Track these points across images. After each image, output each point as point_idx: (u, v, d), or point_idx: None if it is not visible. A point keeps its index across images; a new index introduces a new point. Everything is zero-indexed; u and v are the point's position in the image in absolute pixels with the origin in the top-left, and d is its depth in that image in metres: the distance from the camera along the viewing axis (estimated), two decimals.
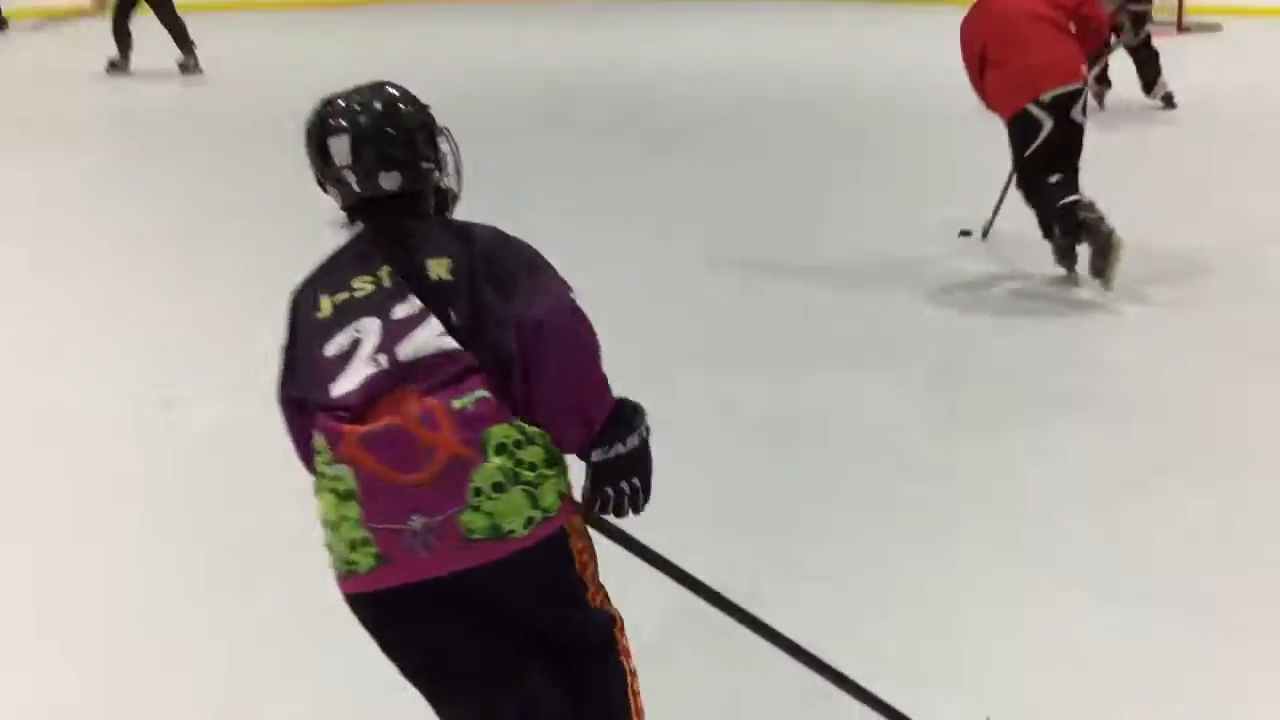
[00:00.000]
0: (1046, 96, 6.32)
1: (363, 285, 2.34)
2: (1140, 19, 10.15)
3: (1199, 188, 8.47)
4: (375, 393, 2.22)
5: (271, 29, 16.65)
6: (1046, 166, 6.41)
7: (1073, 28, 6.51)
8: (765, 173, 9.23)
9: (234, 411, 5.12)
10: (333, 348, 2.29)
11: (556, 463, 2.30)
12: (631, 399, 2.43)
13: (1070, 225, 6.38)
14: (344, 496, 2.20)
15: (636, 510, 2.41)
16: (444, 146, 2.58)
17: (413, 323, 2.27)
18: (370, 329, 2.28)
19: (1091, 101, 7.14)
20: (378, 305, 2.30)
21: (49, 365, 5.94)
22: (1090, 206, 6.30)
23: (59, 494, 4.72)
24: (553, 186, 8.87)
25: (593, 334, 2.34)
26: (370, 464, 2.17)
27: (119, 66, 12.87)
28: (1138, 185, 8.07)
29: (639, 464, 2.38)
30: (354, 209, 2.49)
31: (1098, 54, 8.69)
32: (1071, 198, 6.36)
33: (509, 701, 2.29)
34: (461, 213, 2.69)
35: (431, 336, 2.26)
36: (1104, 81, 10.52)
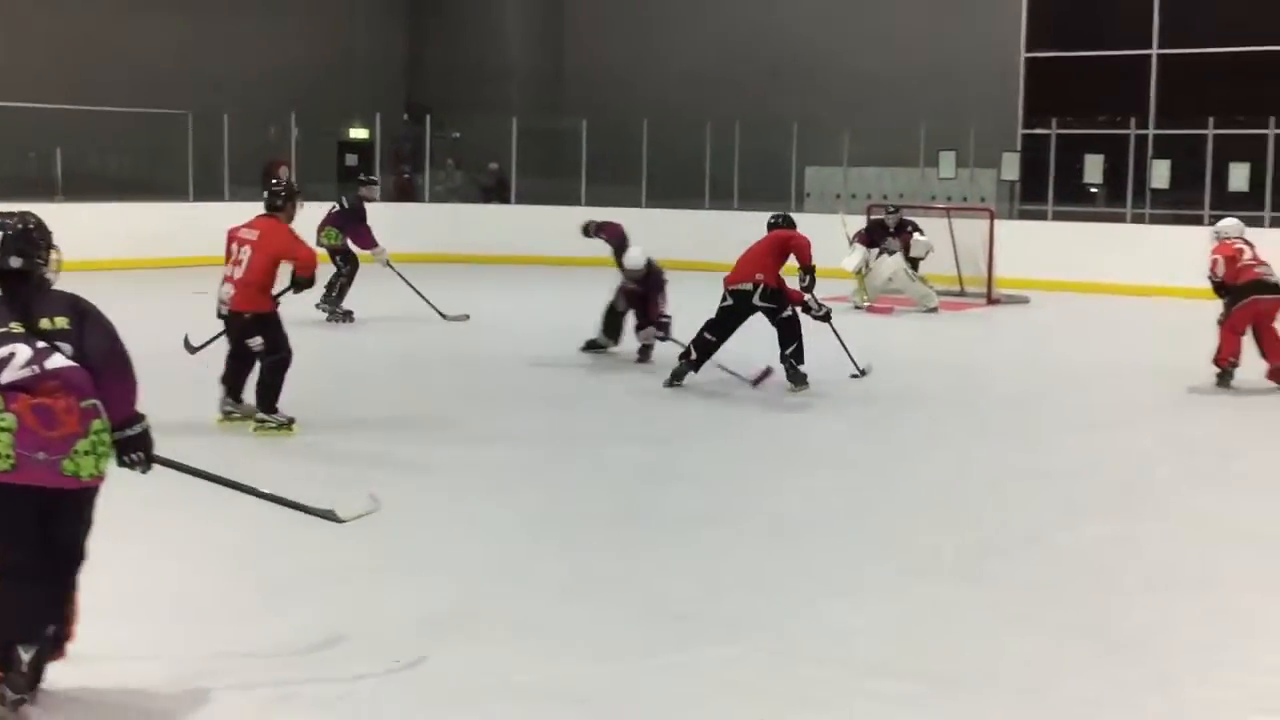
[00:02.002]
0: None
1: (15, 327, 4.29)
2: None
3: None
4: (31, 385, 4.19)
5: None
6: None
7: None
8: None
9: None
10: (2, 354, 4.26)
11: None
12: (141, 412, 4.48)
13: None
14: (4, 429, 4.15)
15: (145, 469, 4.54)
16: (53, 256, 4.55)
17: (49, 351, 4.26)
18: (20, 350, 4.24)
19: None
20: (24, 339, 4.27)
21: None
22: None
23: None
24: None
25: (130, 363, 4.42)
26: (29, 420, 4.18)
27: None
28: None
29: (142, 443, 4.47)
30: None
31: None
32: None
33: (24, 552, 4.26)
34: None
35: (62, 359, 4.26)
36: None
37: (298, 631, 5.20)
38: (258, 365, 8.83)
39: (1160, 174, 20.71)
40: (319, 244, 13.69)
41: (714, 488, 7.80)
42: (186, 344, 10.23)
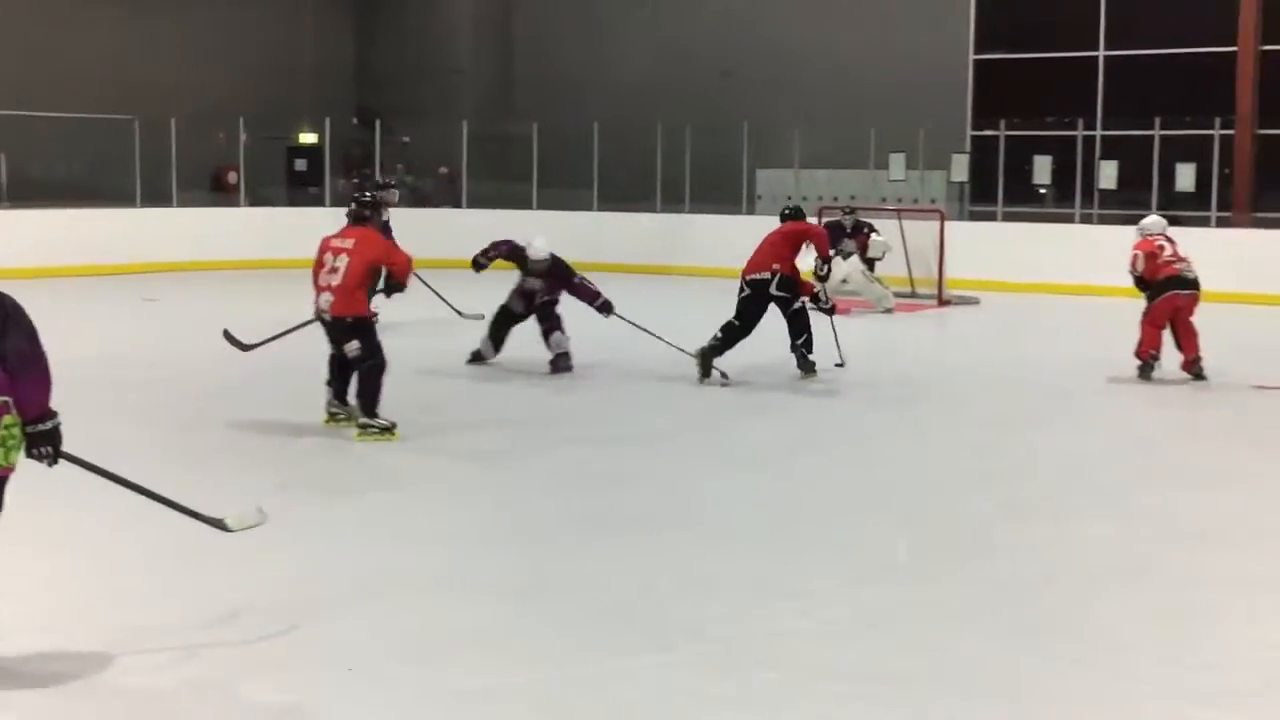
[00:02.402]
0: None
1: None
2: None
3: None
4: None
5: None
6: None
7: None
8: None
9: None
10: None
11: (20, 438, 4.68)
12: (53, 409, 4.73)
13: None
14: None
15: (52, 462, 4.76)
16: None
17: None
18: None
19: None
20: None
21: None
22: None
23: None
24: None
25: (46, 363, 4.63)
26: None
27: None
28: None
29: (51, 438, 4.70)
30: None
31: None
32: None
33: None
34: None
35: None
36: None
37: (248, 644, 5.16)
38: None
39: (1108, 174, 20.88)
40: None
41: (661, 490, 7.79)
42: (232, 340, 10.33)
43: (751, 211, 22.51)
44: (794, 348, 11.24)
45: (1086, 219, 21.02)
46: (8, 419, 4.55)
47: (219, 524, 5.54)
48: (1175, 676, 4.93)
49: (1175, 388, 11.46)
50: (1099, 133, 21.58)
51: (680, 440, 9.31)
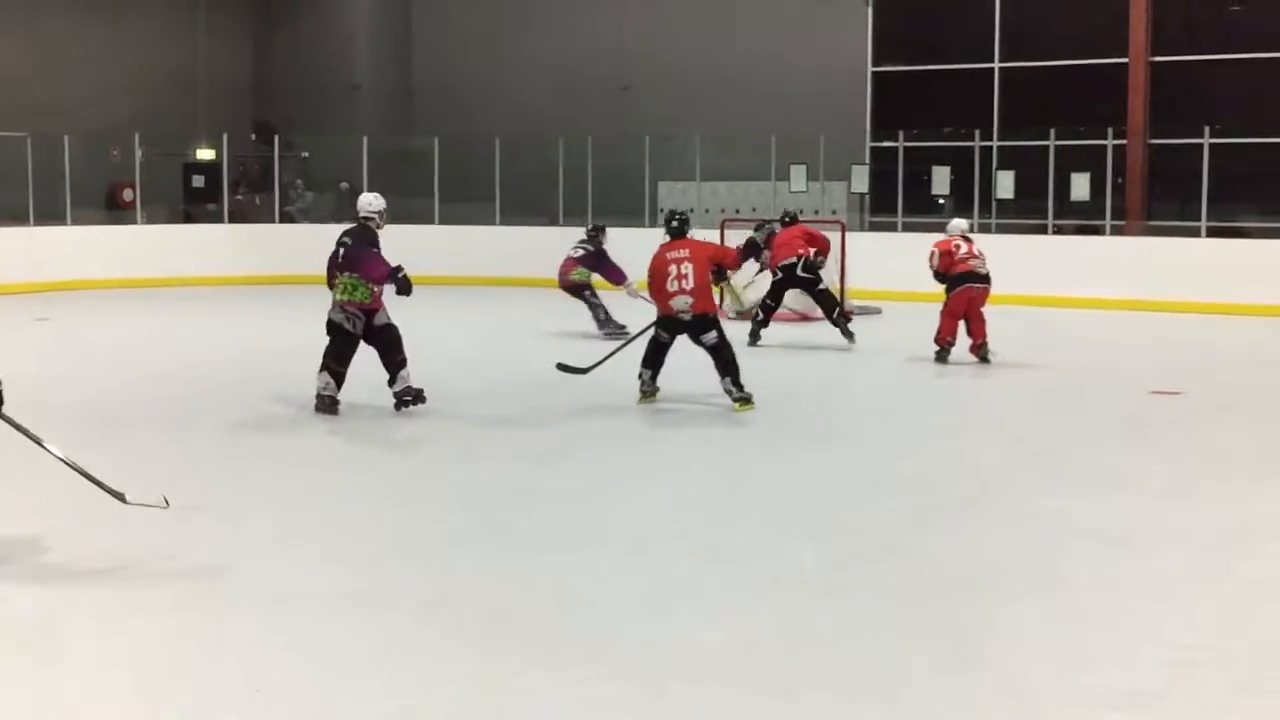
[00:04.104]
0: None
1: None
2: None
3: None
4: None
5: None
6: None
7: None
8: None
9: None
10: None
11: None
12: None
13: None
14: None
15: None
16: None
17: None
18: None
19: None
20: None
21: None
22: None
23: None
24: None
25: None
26: None
27: None
28: None
29: None
30: None
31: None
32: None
33: None
34: None
35: None
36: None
37: (151, 659, 5.06)
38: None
39: (1005, 184, 21.15)
40: (572, 280, 15.85)
41: (573, 503, 7.75)
42: (567, 368, 11.68)
43: (654, 224, 22.53)
44: (835, 321, 14.57)
45: (985, 228, 21.23)
46: None
47: (118, 495, 6.45)
48: (1080, 679, 4.97)
49: (1074, 393, 11.62)
50: (995, 144, 21.84)
51: (592, 454, 9.28)
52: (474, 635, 5.45)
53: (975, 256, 13.09)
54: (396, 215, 22.93)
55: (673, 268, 10.56)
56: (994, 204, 21.30)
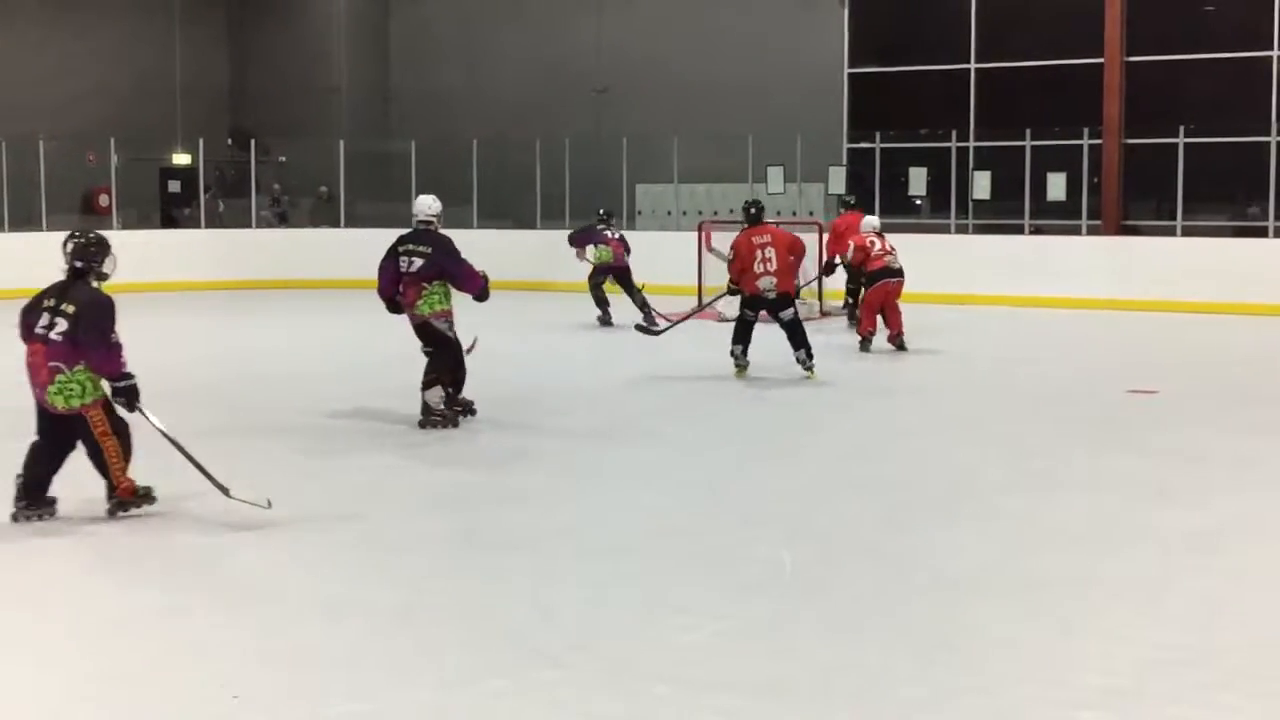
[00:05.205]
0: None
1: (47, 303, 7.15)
2: None
3: None
4: (38, 340, 7.08)
5: None
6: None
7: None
8: None
9: None
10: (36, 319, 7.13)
11: (97, 387, 7.12)
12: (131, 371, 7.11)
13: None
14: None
15: (131, 409, 7.21)
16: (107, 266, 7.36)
17: (58, 324, 7.08)
18: (43, 319, 7.13)
19: None
20: (48, 312, 7.12)
21: None
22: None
23: None
24: None
25: (110, 344, 7.10)
26: (29, 359, 7.13)
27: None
28: None
29: (131, 394, 7.16)
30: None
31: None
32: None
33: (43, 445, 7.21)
34: None
35: (63, 329, 7.05)
36: None
37: (123, 666, 5.05)
38: None
39: (981, 185, 21.20)
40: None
41: (547, 506, 7.76)
42: (647, 329, 14.46)
43: (632, 226, 22.56)
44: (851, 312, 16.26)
45: (962, 229, 21.34)
46: (60, 377, 6.98)
47: (223, 489, 7.21)
48: (1057, 679, 4.99)
49: (1050, 393, 11.66)
50: (972, 144, 21.89)
51: (565, 457, 9.27)
52: (443, 640, 5.45)
53: (889, 253, 14.14)
54: (374, 219, 22.98)
55: (758, 252, 11.90)
56: (971, 204, 21.35)
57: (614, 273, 16.76)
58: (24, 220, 21.02)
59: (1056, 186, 20.66)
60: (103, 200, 23.19)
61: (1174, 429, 10.17)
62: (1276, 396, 11.90)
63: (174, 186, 24.93)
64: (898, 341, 14.06)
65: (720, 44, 24.36)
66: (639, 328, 14.43)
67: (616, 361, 13.90)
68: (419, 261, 9.80)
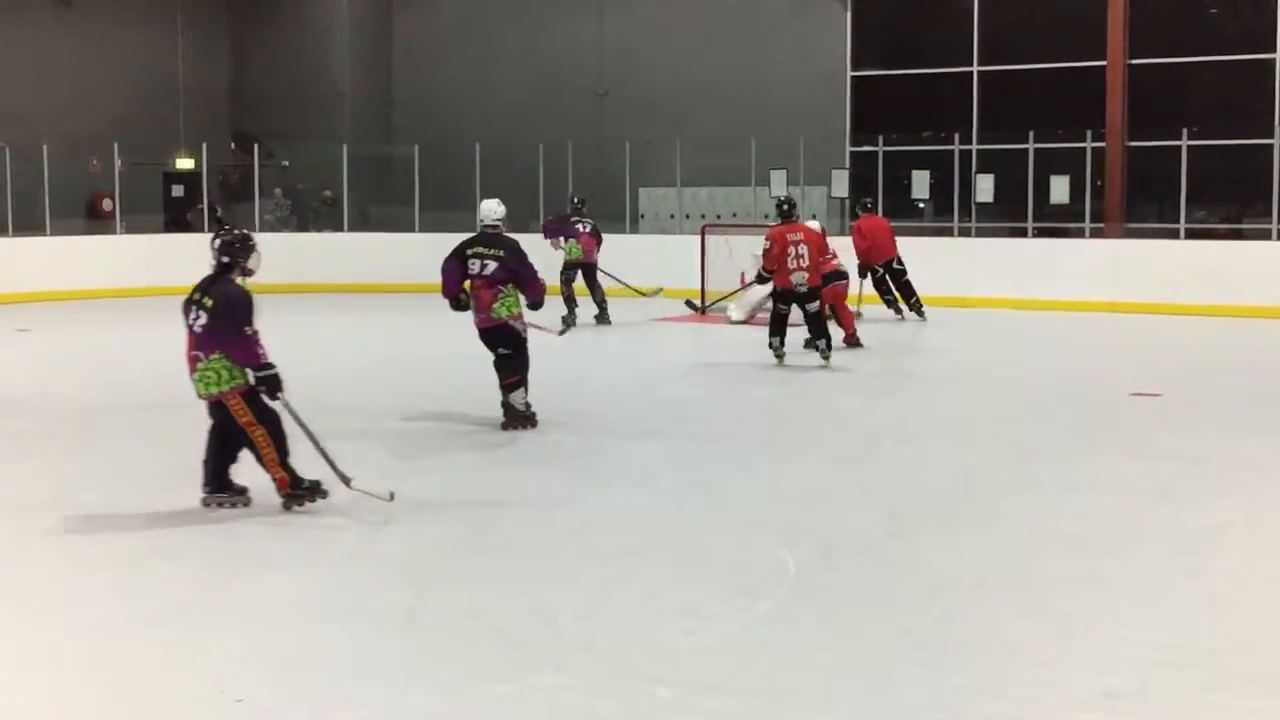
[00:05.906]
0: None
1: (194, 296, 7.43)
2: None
3: None
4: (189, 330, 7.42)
5: None
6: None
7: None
8: None
9: None
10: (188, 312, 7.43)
11: (235, 375, 7.35)
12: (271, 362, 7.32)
13: None
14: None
15: (272, 398, 7.38)
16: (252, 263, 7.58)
17: (200, 317, 7.36)
18: (191, 311, 7.42)
19: None
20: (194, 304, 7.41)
21: None
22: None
23: None
24: None
25: (244, 335, 7.31)
26: (186, 350, 7.45)
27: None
28: None
29: (272, 383, 7.33)
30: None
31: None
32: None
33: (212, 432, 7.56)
34: None
35: (203, 322, 7.35)
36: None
37: (123, 669, 5.06)
38: None
39: (984, 188, 21.20)
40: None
41: (546, 509, 7.76)
42: (694, 306, 16.84)
43: (635, 230, 22.58)
44: (913, 306, 16.87)
45: (965, 232, 21.32)
46: (200, 365, 7.33)
47: (345, 479, 7.52)
48: (1058, 680, 4.99)
49: (1053, 395, 11.65)
50: (975, 147, 21.89)
51: (562, 459, 9.28)
52: (442, 644, 5.46)
53: (835, 255, 14.91)
54: (377, 223, 23.01)
55: (792, 249, 12.80)
56: (974, 207, 21.34)
57: (583, 269, 16.71)
58: (29, 225, 21.04)
59: (1059, 189, 20.65)
60: (106, 205, 23.21)
61: (1176, 431, 10.16)
62: (1279, 399, 11.89)
63: (178, 191, 24.94)
64: (852, 341, 14.55)
65: (722, 47, 24.37)
66: (564, 319, 14.88)
67: (616, 361, 13.91)
68: (493, 264, 9.80)
